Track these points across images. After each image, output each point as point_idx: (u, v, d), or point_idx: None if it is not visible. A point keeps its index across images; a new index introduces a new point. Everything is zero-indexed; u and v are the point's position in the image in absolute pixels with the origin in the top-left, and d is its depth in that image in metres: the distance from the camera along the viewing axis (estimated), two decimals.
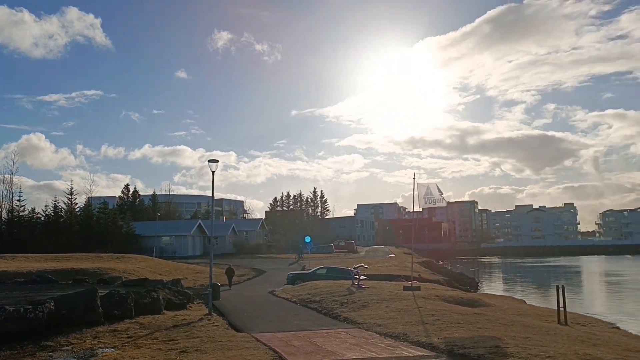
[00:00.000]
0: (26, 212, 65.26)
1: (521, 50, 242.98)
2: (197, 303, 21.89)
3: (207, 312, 18.65)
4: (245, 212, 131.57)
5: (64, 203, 66.16)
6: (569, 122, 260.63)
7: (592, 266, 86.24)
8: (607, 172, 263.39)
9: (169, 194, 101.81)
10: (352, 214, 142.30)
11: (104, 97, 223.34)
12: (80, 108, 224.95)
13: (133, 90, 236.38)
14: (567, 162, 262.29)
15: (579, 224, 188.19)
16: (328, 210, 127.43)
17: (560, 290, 19.46)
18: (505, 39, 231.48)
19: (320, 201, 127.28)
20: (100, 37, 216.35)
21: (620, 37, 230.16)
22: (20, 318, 13.49)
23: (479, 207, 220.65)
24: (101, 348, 12.55)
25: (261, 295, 26.55)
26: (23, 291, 19.80)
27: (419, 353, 11.64)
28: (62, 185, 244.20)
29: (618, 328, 21.39)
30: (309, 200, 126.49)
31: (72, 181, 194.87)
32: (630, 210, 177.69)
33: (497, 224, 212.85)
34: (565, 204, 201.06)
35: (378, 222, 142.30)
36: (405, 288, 24.52)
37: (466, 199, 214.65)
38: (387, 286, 26.34)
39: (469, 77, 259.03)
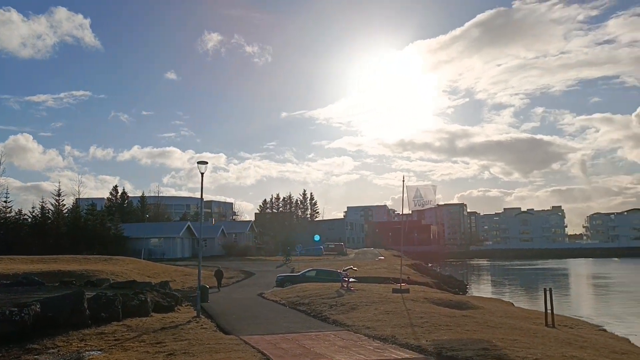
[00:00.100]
0: (13, 214, 64.35)
1: (510, 54, 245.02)
2: (186, 305, 21.76)
3: (196, 314, 18.54)
4: (235, 214, 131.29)
5: (52, 204, 65.51)
6: (557, 125, 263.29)
7: (580, 269, 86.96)
8: (595, 175, 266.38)
9: (158, 196, 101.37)
10: (342, 216, 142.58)
11: (93, 97, 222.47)
12: (68, 109, 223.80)
13: (122, 91, 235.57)
14: (555, 166, 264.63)
15: (566, 226, 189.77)
16: (318, 212, 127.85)
17: (548, 292, 19.57)
18: (494, 42, 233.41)
19: (310, 203, 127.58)
20: (89, 37, 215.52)
21: (608, 41, 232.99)
22: (5, 320, 13.33)
23: (468, 210, 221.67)
24: (88, 351, 12.43)
25: (250, 298, 26.46)
26: (9, 293, 19.59)
27: (407, 355, 11.65)
28: (49, 186, 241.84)
29: (605, 330, 21.54)
30: (299, 202, 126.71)
31: (59, 182, 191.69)
32: (617, 213, 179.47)
33: (486, 227, 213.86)
34: (553, 207, 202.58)
35: (368, 224, 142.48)
36: (394, 290, 24.56)
37: (455, 201, 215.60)
38: (376, 288, 26.38)
39: (459, 81, 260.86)
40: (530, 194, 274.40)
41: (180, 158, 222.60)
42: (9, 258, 39.87)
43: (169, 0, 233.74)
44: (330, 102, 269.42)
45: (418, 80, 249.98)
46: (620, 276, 67.18)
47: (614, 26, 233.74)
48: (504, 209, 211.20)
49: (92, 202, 76.12)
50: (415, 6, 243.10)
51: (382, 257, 68.13)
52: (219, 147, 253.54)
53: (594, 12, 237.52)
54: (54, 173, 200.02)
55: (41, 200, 65.30)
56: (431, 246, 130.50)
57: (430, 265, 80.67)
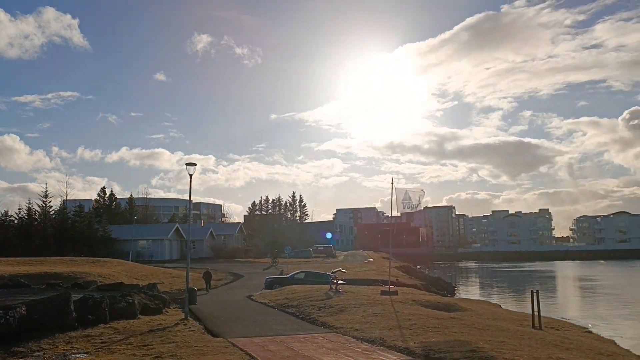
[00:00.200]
0: None
1: (498, 57, 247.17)
2: (174, 308, 21.66)
3: (184, 316, 18.45)
4: (224, 216, 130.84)
5: (38, 206, 65.08)
6: (545, 129, 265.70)
7: (567, 271, 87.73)
8: (582, 178, 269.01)
9: (146, 198, 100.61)
10: (331, 219, 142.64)
11: (81, 98, 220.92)
12: (56, 109, 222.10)
13: (110, 92, 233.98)
14: (543, 169, 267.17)
15: (553, 229, 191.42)
16: (307, 214, 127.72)
17: (535, 294, 19.72)
18: (483, 46, 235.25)
19: (299, 205, 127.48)
20: (77, 37, 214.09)
21: (595, 46, 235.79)
22: None
23: (456, 212, 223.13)
24: (74, 353, 12.32)
25: (238, 300, 26.39)
26: None
27: (395, 358, 11.69)
28: (36, 187, 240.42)
29: (591, 332, 21.74)
30: (288, 204, 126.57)
31: (47, 184, 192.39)
32: (603, 216, 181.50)
33: (474, 229, 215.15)
34: (540, 209, 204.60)
35: (357, 226, 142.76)
36: (383, 292, 24.63)
37: (444, 204, 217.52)
38: (365, 290, 26.43)
39: (447, 84, 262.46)
40: (518, 197, 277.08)
41: (169, 159, 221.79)
42: None
43: (159, 1, 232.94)
44: (319, 104, 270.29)
45: (407, 83, 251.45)
46: (606, 278, 67.87)
47: (601, 31, 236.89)
48: (492, 211, 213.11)
49: (80, 204, 75.42)
50: (405, 9, 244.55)
51: (371, 259, 68.27)
52: (208, 148, 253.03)
53: (581, 17, 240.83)
54: (41, 174, 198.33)
55: (28, 202, 65.21)
56: (420, 248, 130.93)
57: (418, 267, 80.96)
